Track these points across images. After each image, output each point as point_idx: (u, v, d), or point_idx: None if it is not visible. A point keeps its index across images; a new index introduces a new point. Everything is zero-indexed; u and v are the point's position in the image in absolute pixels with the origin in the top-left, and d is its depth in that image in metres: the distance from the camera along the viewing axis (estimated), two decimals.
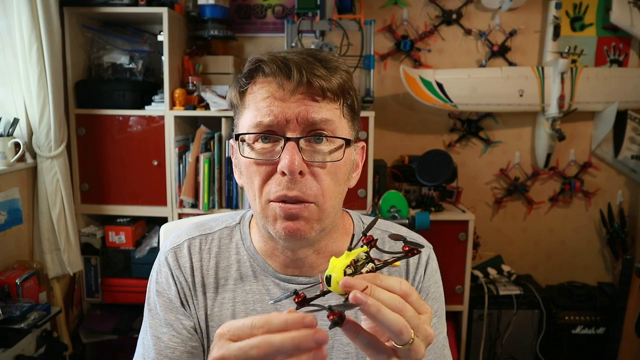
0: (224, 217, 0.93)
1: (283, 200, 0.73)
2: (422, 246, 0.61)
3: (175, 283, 0.85)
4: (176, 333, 0.82)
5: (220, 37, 2.45)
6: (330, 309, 0.53)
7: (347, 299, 0.54)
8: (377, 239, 0.60)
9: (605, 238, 2.74)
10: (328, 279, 0.55)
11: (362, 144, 0.85)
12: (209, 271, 0.86)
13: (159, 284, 0.85)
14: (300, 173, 0.71)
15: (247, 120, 0.75)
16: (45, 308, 1.84)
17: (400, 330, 0.53)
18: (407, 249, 0.60)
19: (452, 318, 2.45)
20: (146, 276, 0.90)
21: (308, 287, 0.83)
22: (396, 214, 2.17)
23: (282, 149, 0.72)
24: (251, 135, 0.74)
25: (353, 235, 0.61)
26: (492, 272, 2.59)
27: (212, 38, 2.45)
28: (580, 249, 2.80)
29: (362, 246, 0.59)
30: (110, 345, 2.32)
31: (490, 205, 2.78)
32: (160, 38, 2.21)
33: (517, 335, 2.44)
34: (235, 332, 0.53)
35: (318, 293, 0.56)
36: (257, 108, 0.74)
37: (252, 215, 0.89)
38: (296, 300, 0.55)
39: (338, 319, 0.52)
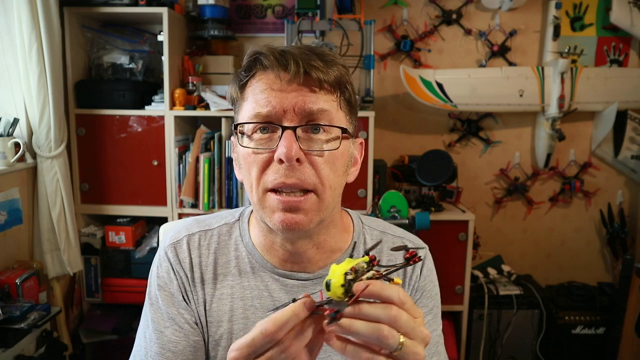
0: (223, 214, 0.93)
1: (281, 188, 0.73)
2: (420, 257, 0.61)
3: (177, 277, 0.85)
4: (179, 327, 0.82)
5: (220, 37, 2.45)
6: (330, 302, 0.56)
7: (347, 300, 0.56)
8: (379, 260, 0.60)
9: (605, 238, 2.74)
10: (328, 284, 0.56)
11: (361, 140, 0.86)
12: (207, 267, 0.86)
13: (160, 278, 0.86)
14: (298, 161, 0.72)
15: (246, 111, 0.76)
16: (45, 308, 1.84)
17: (383, 336, 0.53)
18: (408, 256, 0.60)
19: (452, 318, 2.45)
20: (146, 276, 0.90)
21: (306, 283, 0.84)
22: (396, 214, 2.17)
23: (280, 137, 0.73)
24: (250, 126, 0.76)
25: (354, 243, 0.62)
26: (492, 272, 2.59)
27: (212, 38, 2.45)
28: (580, 249, 2.80)
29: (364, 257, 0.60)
30: (110, 345, 2.32)
31: (490, 205, 2.78)
32: (160, 38, 2.21)
33: (517, 335, 2.44)
34: (249, 350, 0.54)
35: (322, 300, 0.57)
36: (255, 100, 0.75)
37: (252, 212, 0.89)
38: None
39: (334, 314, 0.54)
